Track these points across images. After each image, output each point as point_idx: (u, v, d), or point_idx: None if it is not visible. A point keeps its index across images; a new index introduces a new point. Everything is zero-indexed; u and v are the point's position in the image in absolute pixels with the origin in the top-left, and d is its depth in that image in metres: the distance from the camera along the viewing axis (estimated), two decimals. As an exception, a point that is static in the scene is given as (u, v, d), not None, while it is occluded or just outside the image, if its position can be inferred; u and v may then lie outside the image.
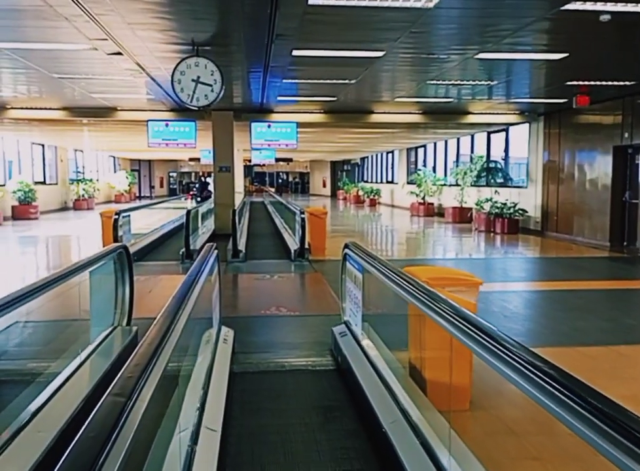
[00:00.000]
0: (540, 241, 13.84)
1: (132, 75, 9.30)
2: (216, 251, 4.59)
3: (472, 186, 18.50)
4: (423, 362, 3.71)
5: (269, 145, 14.59)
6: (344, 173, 42.67)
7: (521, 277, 9.23)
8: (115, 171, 36.63)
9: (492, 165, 17.13)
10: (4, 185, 20.13)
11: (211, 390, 3.64)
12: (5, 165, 21.22)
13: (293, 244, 11.06)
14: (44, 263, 11.26)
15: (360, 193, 32.93)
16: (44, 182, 24.69)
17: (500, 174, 16.59)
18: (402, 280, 3.36)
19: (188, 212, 10.16)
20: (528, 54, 7.80)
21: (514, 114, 14.69)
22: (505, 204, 15.06)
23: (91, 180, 28.50)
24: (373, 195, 30.99)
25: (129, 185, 35.38)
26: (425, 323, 3.51)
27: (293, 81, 9.85)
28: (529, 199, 15.22)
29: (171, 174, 46.95)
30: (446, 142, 22.62)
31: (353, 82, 9.87)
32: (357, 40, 7.03)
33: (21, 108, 13.23)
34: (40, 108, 13.31)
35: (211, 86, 7.32)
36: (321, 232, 11.04)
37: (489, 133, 18.31)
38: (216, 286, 4.44)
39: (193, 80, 7.28)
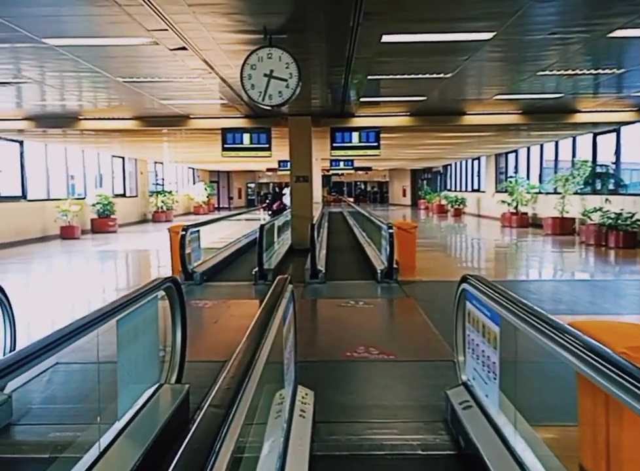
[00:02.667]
0: (666, 257, 11.89)
1: (201, 76, 8.40)
2: (290, 287, 3.43)
3: (574, 194, 16.61)
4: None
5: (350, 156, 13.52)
6: (425, 182, 41.00)
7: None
8: (194, 183, 36.71)
9: (601, 170, 15.14)
10: (84, 198, 20.11)
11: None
12: (85, 178, 21.25)
13: (378, 261, 9.83)
14: (114, 281, 10.58)
15: (444, 202, 31.23)
16: (124, 195, 24.75)
17: (611, 181, 14.62)
18: (585, 352, 2.06)
19: (262, 227, 9.13)
20: (679, 28, 6.23)
21: (629, 110, 12.79)
22: (620, 214, 13.14)
23: (170, 192, 28.45)
24: (458, 205, 29.22)
25: (207, 196, 35.32)
26: (622, 417, 2.19)
27: (380, 77, 8.64)
28: (648, 209, 13.24)
29: (249, 185, 46.89)
30: (542, 146, 20.68)
31: (448, 76, 8.54)
32: (463, 17, 5.73)
33: (93, 119, 12.77)
34: (112, 119, 12.80)
35: (285, 80, 6.23)
36: (411, 248, 9.74)
37: (595, 135, 16.37)
38: (290, 338, 3.27)
39: (265, 75, 6.22)
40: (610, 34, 6.30)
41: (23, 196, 16.55)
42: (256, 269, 8.77)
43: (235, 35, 6.25)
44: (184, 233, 8.62)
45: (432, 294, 7.98)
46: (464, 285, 3.55)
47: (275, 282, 3.34)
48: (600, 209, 14.01)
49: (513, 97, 10.57)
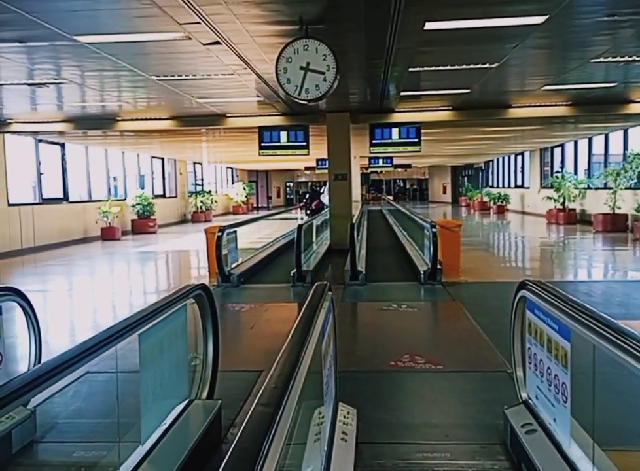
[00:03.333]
0: None
1: (236, 72, 8.17)
2: (329, 295, 3.13)
3: (627, 188, 15.84)
4: None
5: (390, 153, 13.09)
6: (466, 178, 40.14)
7: None
8: (233, 183, 36.79)
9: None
10: (124, 199, 20.24)
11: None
12: (125, 179, 21.40)
13: (420, 262, 9.44)
14: (154, 283, 10.47)
15: (486, 199, 30.45)
16: (164, 195, 24.90)
17: (668, 174, 13.83)
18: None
19: (300, 227, 8.84)
20: None
21: (688, 100, 12.01)
22: (679, 210, 12.42)
23: (209, 193, 28.51)
24: (501, 202, 28.43)
25: (246, 196, 35.34)
26: None
27: (421, 69, 8.24)
28: None
29: (287, 184, 46.83)
30: (590, 139, 19.82)
31: (494, 66, 8.09)
32: (513, 0, 5.32)
33: (130, 120, 12.73)
34: (149, 119, 12.73)
35: (323, 73, 5.93)
36: (455, 248, 9.29)
37: (648, 126, 15.57)
38: (330, 352, 2.96)
39: (302, 68, 5.93)
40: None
41: (65, 198, 16.72)
42: (294, 270, 8.51)
43: (269, 27, 5.98)
44: (220, 234, 8.41)
45: (479, 296, 7.57)
46: (524, 292, 3.17)
47: (313, 289, 3.04)
48: (655, 205, 13.30)
49: (562, 87, 10.00)
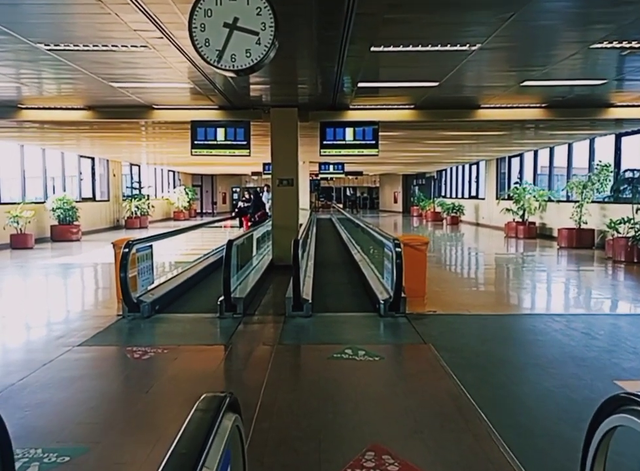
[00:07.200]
0: None
1: (150, 43, 6.34)
2: (233, 420, 1.40)
3: (592, 202, 14.77)
4: None
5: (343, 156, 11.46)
6: (417, 188, 39.11)
7: None
8: (175, 187, 34.49)
9: (632, 175, 13.13)
10: (43, 202, 17.92)
11: None
12: (45, 180, 19.01)
13: (378, 285, 7.81)
14: (38, 310, 8.42)
15: (439, 209, 29.32)
16: (93, 199, 22.58)
17: (643, 188, 12.70)
18: None
19: (230, 243, 6.99)
20: None
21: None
22: (660, 227, 11.26)
23: (146, 197, 26.24)
24: (455, 212, 27.31)
25: (189, 201, 33.13)
26: None
27: (385, 49, 6.60)
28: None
29: (234, 189, 44.75)
30: (552, 149, 18.78)
31: (475, 48, 6.53)
32: None
33: (36, 109, 10.64)
34: (59, 109, 10.68)
35: (256, 34, 4.20)
36: (420, 270, 7.73)
37: (617, 136, 14.50)
38: None
39: (226, 25, 4.19)
40: None
41: (-34, 200, 14.40)
42: (222, 298, 6.72)
43: (180, -37, 4.22)
44: (126, 250, 6.52)
45: (454, 336, 5.98)
46: (623, 419, 1.53)
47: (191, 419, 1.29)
48: (629, 220, 12.14)
49: (544, 83, 8.57)
